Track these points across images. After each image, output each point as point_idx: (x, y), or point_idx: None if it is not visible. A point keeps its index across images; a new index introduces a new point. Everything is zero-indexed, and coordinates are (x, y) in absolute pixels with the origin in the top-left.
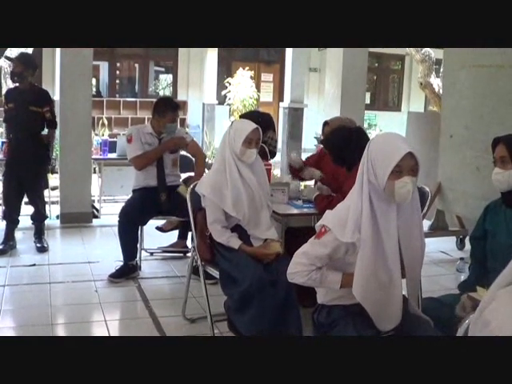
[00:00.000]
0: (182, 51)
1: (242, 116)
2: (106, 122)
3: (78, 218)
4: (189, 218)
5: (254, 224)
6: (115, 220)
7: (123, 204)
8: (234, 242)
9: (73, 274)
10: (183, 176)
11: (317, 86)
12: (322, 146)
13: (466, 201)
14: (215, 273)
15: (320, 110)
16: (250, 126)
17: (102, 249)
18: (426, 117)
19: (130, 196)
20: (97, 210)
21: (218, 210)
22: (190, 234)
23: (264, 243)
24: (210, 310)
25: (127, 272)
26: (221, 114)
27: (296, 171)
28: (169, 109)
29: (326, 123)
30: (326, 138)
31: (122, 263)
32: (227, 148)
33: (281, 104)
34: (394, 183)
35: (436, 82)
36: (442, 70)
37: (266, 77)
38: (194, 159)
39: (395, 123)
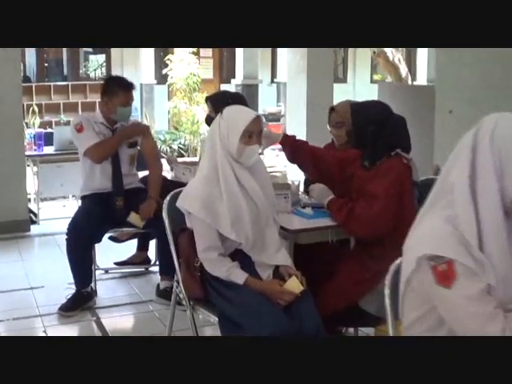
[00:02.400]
0: None
1: (209, 98)
2: (36, 109)
3: (13, 227)
4: (160, 239)
5: (260, 247)
6: (57, 226)
7: (70, 217)
8: (238, 276)
9: (12, 306)
10: (140, 175)
11: (268, 58)
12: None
13: None
14: (210, 315)
15: (273, 85)
16: (248, 114)
17: (46, 266)
18: (402, 89)
19: (78, 206)
20: (34, 215)
21: (212, 233)
22: (151, 243)
23: (271, 278)
24: None
25: (81, 301)
26: (160, 95)
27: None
28: (120, 89)
29: (332, 109)
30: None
31: (73, 288)
32: (218, 147)
33: (232, 81)
34: None
35: (390, 50)
36: None
37: (205, 52)
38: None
39: (343, 96)
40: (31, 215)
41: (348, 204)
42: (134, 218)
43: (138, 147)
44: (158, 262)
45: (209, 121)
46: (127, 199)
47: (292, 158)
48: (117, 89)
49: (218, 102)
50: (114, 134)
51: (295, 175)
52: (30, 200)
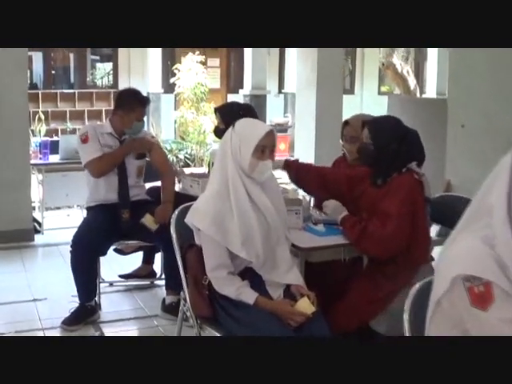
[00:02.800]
0: None
1: (218, 109)
2: (42, 116)
3: (17, 237)
4: (167, 252)
5: (271, 266)
6: (61, 236)
7: (75, 227)
8: (248, 296)
9: (15, 319)
10: (147, 186)
11: (276, 68)
12: (346, 149)
13: None
14: (217, 335)
15: (281, 96)
16: (262, 128)
17: (49, 278)
18: (413, 102)
19: (84, 217)
20: (39, 224)
21: (222, 251)
22: (157, 256)
23: (282, 298)
24: None
25: (85, 316)
26: (167, 104)
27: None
28: (138, 104)
29: (346, 123)
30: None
31: (76, 301)
32: (230, 161)
33: (240, 91)
34: None
35: (399, 62)
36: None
37: (212, 62)
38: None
39: (350, 107)
40: (35, 224)
41: (362, 222)
42: (148, 219)
43: (147, 158)
44: (163, 276)
45: (218, 132)
46: (133, 211)
47: (297, 180)
48: (134, 104)
49: (228, 114)
50: (118, 148)
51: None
52: (34, 208)
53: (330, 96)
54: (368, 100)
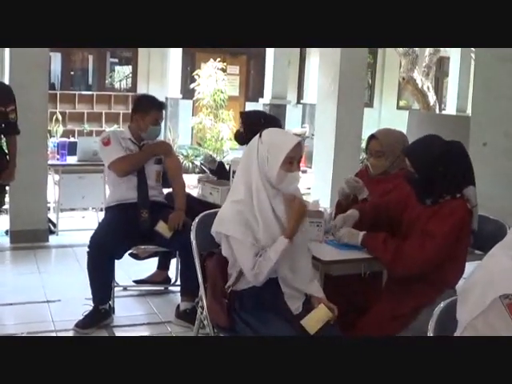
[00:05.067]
0: None
1: (243, 113)
2: (60, 117)
3: (32, 237)
4: (183, 257)
5: (292, 277)
6: (76, 238)
7: (89, 229)
8: (278, 246)
9: (27, 320)
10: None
11: (295, 78)
12: (370, 164)
13: (504, 220)
14: None
15: (299, 106)
16: (291, 139)
17: (63, 279)
18: (433, 118)
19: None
20: (53, 225)
21: (255, 249)
22: (172, 262)
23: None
24: None
25: (98, 319)
26: (185, 109)
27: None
28: (153, 108)
29: (373, 136)
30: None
31: (90, 304)
32: (255, 171)
33: (260, 100)
34: None
35: (419, 77)
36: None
37: (232, 69)
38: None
39: (369, 121)
40: (50, 225)
41: (389, 240)
42: (162, 227)
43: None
44: (178, 282)
45: (238, 137)
46: (152, 211)
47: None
48: (150, 108)
49: (250, 119)
50: (141, 151)
51: (322, 199)
52: (49, 210)
53: (351, 109)
54: (386, 114)
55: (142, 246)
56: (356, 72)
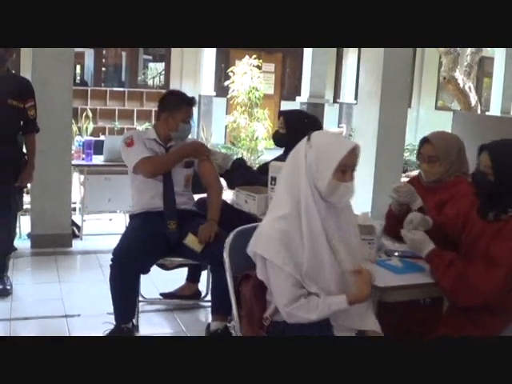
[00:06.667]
0: None
1: (283, 113)
2: (90, 114)
3: (54, 242)
4: (215, 271)
5: (343, 315)
6: (101, 243)
7: (116, 234)
8: (338, 302)
9: (42, 335)
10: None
11: (332, 77)
12: (422, 169)
13: None
14: None
15: (335, 105)
16: (345, 144)
17: (84, 291)
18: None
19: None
20: (78, 229)
21: (295, 281)
22: (203, 273)
23: None
24: None
25: None
26: (219, 107)
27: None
28: (183, 103)
29: (426, 140)
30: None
31: (111, 322)
32: (303, 181)
33: (297, 98)
34: None
35: (461, 77)
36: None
37: (267, 67)
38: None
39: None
40: (74, 228)
41: (455, 263)
42: (191, 240)
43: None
44: (209, 297)
45: (276, 137)
46: (181, 221)
47: None
48: (179, 104)
49: (292, 120)
50: (171, 151)
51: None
52: (74, 210)
53: (394, 110)
54: (424, 115)
55: (170, 259)
56: (400, 72)
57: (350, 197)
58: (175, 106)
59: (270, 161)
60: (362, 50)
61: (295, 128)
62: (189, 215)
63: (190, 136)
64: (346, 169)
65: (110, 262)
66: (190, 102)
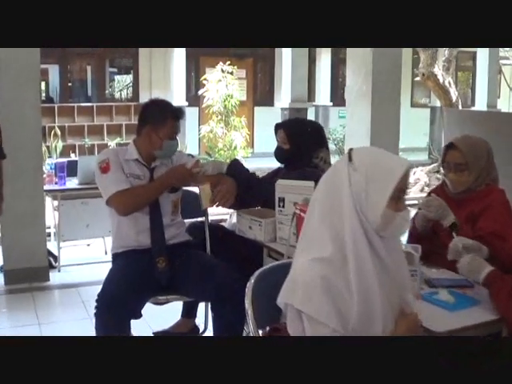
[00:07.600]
0: (142, 49)
1: (282, 126)
2: (58, 132)
3: (30, 276)
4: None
5: None
6: (80, 273)
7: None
8: None
9: None
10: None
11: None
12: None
13: None
14: None
15: (311, 109)
16: (398, 163)
17: (66, 333)
18: (474, 115)
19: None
20: (54, 258)
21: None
22: (200, 306)
23: None
24: None
25: None
26: (191, 117)
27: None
28: (169, 117)
29: (451, 146)
30: None
31: None
32: (349, 212)
33: (277, 104)
34: None
35: (440, 73)
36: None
37: (239, 73)
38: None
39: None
40: (50, 258)
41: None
42: (205, 192)
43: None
44: (208, 333)
45: (280, 153)
46: (172, 258)
47: None
48: (164, 118)
49: (295, 133)
50: (156, 180)
51: None
52: (49, 236)
53: (386, 110)
54: (401, 112)
55: (162, 297)
56: (390, 71)
57: (406, 228)
58: (159, 119)
59: (271, 174)
60: (348, 50)
61: (300, 141)
62: (180, 248)
63: None
64: (401, 195)
65: (95, 310)
66: (176, 115)
